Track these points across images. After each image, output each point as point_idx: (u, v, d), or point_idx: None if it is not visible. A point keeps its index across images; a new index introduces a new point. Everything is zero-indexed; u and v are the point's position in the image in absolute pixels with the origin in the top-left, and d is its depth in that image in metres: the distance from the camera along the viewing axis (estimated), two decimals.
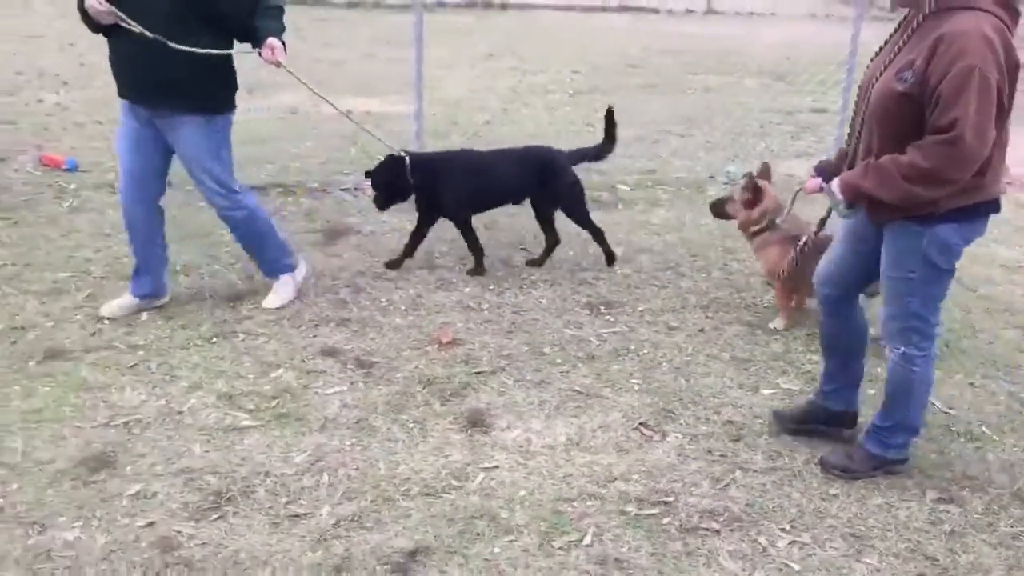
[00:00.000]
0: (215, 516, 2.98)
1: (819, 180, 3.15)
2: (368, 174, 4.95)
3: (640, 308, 4.72)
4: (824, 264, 3.30)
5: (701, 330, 4.49)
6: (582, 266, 5.29)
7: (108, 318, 4.31)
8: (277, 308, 4.47)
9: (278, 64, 3.95)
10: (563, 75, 12.06)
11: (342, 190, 6.52)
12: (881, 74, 2.81)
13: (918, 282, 2.93)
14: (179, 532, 2.89)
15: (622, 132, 5.32)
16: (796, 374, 4.05)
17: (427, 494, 3.10)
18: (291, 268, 4.55)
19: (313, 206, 6.22)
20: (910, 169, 2.69)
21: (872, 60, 2.96)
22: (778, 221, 4.22)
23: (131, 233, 4.33)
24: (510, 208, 5.40)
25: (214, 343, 4.21)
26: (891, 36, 2.92)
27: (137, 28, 3.78)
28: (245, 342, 4.21)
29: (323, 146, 7.72)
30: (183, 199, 5.51)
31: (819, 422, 3.49)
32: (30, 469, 3.19)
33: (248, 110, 8.70)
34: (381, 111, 8.90)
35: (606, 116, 5.11)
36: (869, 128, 2.87)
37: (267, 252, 4.47)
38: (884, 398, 3.23)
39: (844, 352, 3.39)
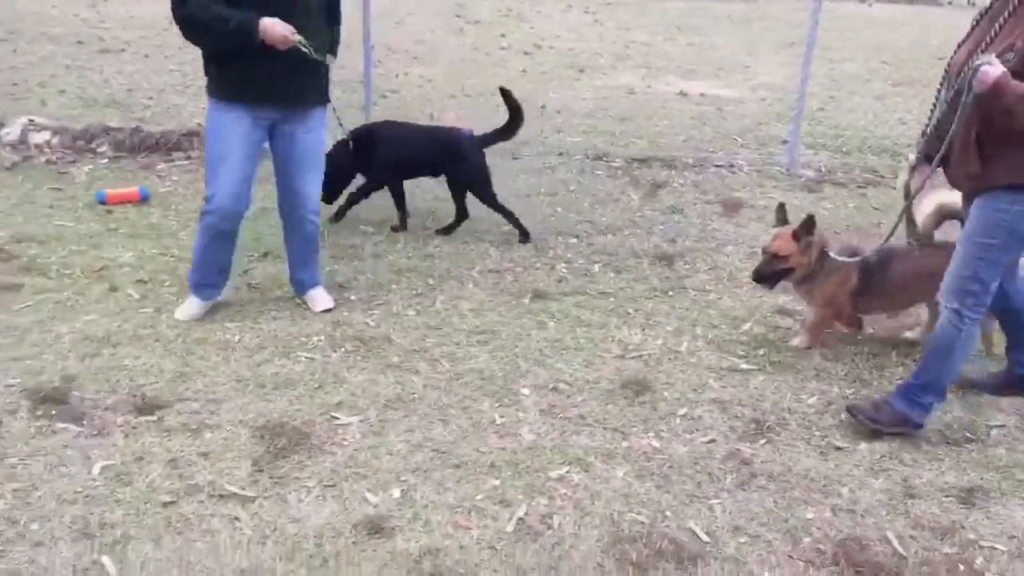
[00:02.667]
0: (763, 440, 3.36)
1: (922, 172, 3.28)
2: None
3: None
4: None
5: None
6: None
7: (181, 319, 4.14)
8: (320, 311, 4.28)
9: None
10: (872, 64, 11.88)
11: (717, 166, 6.84)
12: (976, 60, 2.89)
13: (997, 250, 3.08)
14: (739, 450, 3.28)
15: None
16: None
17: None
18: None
19: (697, 180, 6.56)
20: None
21: (960, 46, 3.12)
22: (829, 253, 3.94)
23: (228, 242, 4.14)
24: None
25: (671, 296, 4.63)
26: (977, 23, 3.11)
27: (312, 54, 3.75)
28: (700, 297, 4.60)
29: (677, 125, 8.08)
30: None
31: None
32: (584, 386, 3.70)
33: (590, 88, 9.29)
34: (720, 94, 9.18)
35: (503, 95, 5.13)
36: (971, 108, 2.92)
37: (318, 263, 4.40)
38: (922, 355, 3.37)
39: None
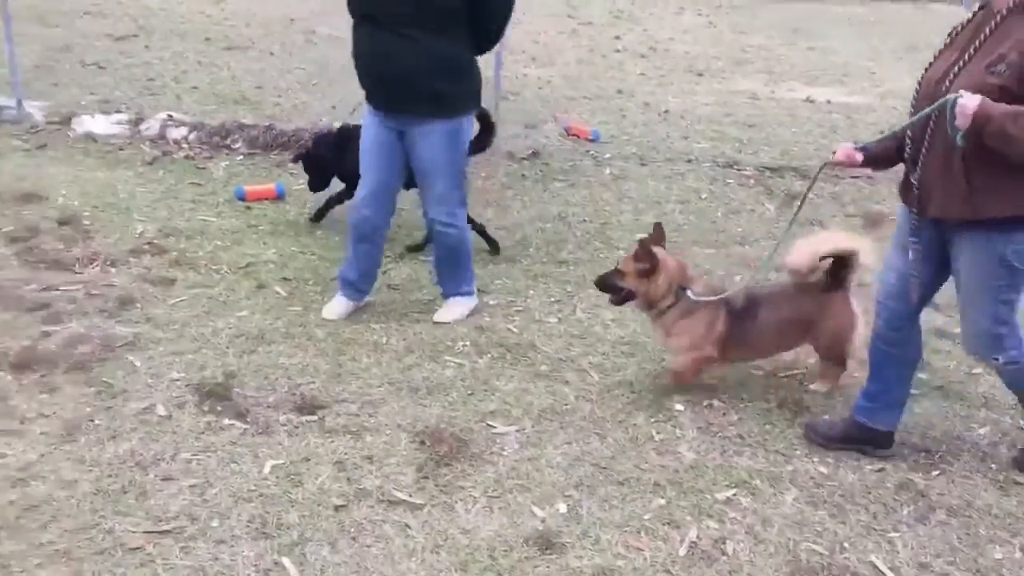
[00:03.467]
0: (936, 472, 3.23)
1: (854, 150, 3.03)
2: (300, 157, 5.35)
3: None
4: (886, 276, 3.14)
5: None
6: None
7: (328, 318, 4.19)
8: (442, 321, 4.24)
9: None
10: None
11: (853, 177, 6.62)
12: (958, 72, 2.71)
13: (1006, 288, 2.85)
14: (913, 480, 3.15)
15: None
16: None
17: None
18: (469, 295, 4.35)
19: (834, 191, 6.36)
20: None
21: (933, 60, 2.87)
22: (688, 289, 3.58)
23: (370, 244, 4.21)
24: None
25: None
26: (955, 35, 2.87)
27: None
28: None
29: (807, 133, 7.86)
30: None
31: (857, 441, 3.28)
32: (738, 405, 3.62)
33: (711, 93, 9.12)
34: (848, 102, 8.91)
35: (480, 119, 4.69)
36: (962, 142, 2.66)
37: (462, 272, 4.30)
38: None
39: (897, 368, 3.20)
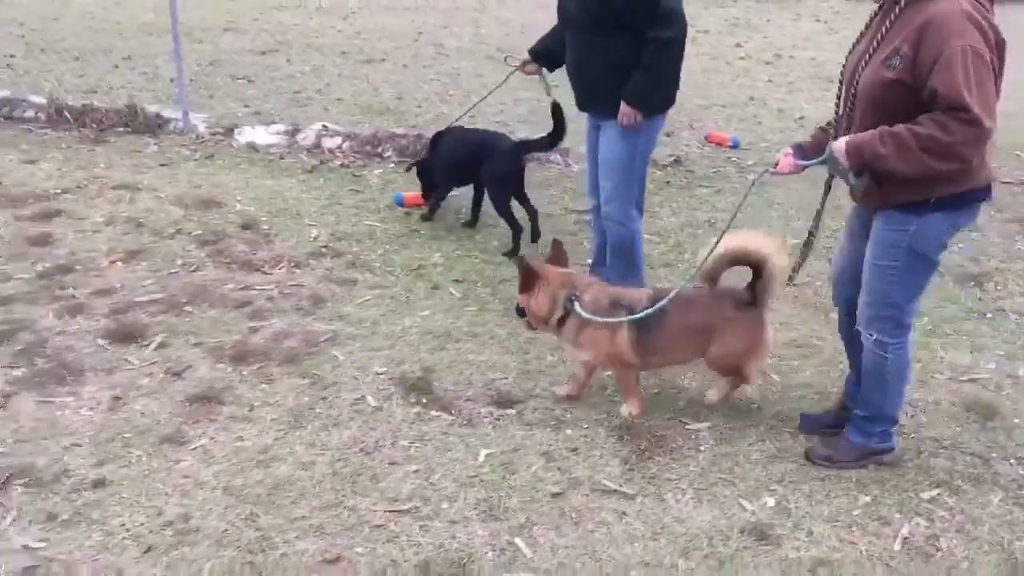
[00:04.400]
0: None
1: (794, 159, 3.00)
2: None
3: None
4: (837, 262, 3.18)
5: None
6: None
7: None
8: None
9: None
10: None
11: (1004, 183, 6.50)
12: (866, 63, 2.73)
13: (901, 271, 2.86)
14: None
15: None
16: None
17: None
18: None
19: (1006, 202, 6.25)
20: (929, 141, 2.57)
21: (851, 50, 2.88)
22: (577, 300, 3.40)
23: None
24: None
25: (990, 318, 4.48)
26: (868, 25, 2.85)
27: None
28: None
29: None
30: None
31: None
32: (926, 407, 3.66)
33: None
34: None
35: (553, 110, 4.81)
36: (861, 116, 2.76)
37: (630, 272, 4.40)
38: (862, 386, 3.12)
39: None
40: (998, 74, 2.60)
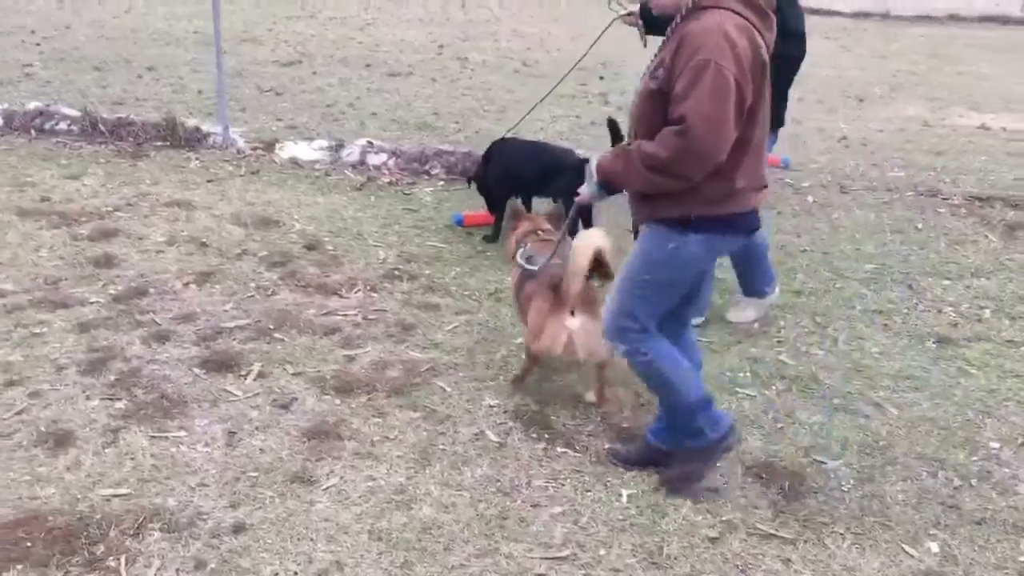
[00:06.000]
0: None
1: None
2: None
3: None
4: None
5: None
6: None
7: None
8: (734, 322, 4.53)
9: None
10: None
11: None
12: (642, 78, 2.78)
13: (650, 286, 2.87)
14: None
15: None
16: None
17: None
18: (764, 295, 4.55)
19: None
20: (649, 158, 2.62)
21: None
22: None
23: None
24: None
25: None
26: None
27: None
28: None
29: (997, 161, 7.73)
30: None
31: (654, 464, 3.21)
32: None
33: (877, 120, 9.03)
34: None
35: (610, 125, 4.79)
36: (632, 128, 2.81)
37: (754, 272, 4.50)
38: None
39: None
40: (748, 97, 2.57)
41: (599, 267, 3.35)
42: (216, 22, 7.06)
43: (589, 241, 3.29)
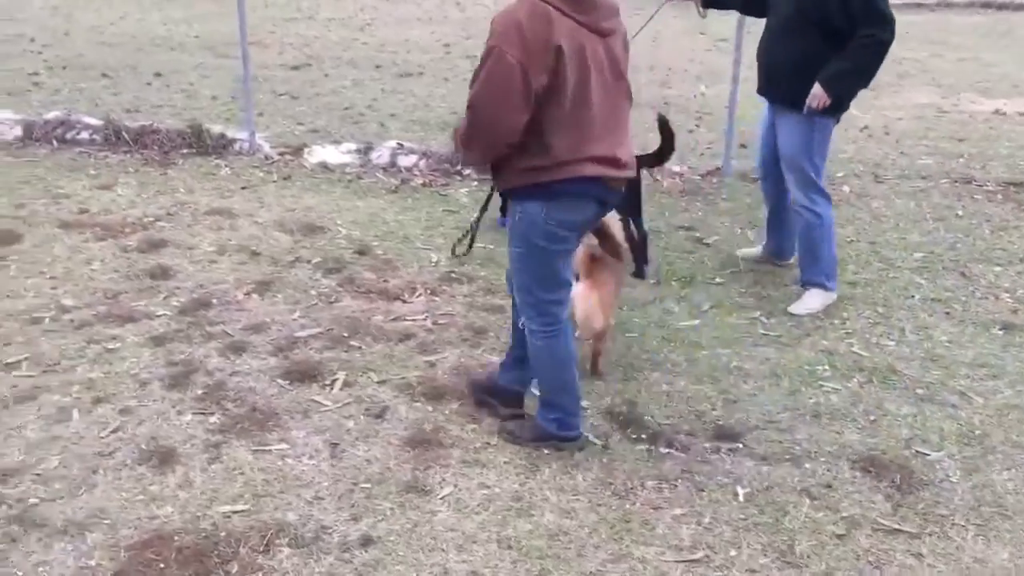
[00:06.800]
0: None
1: None
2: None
3: None
4: None
5: None
6: None
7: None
8: (796, 314, 4.52)
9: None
10: None
11: None
12: None
13: (523, 258, 3.01)
14: None
15: None
16: None
17: None
18: (825, 287, 4.60)
19: None
20: (458, 135, 2.91)
21: None
22: None
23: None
24: None
25: None
26: None
27: None
28: None
29: (1021, 145, 7.79)
30: None
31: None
32: None
33: (892, 107, 9.08)
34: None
35: (660, 124, 4.61)
36: None
37: (817, 261, 4.55)
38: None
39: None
40: (535, 81, 2.67)
41: (605, 240, 3.59)
42: (242, 27, 6.98)
43: None
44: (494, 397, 3.48)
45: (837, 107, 4.25)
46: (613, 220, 3.67)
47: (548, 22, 2.67)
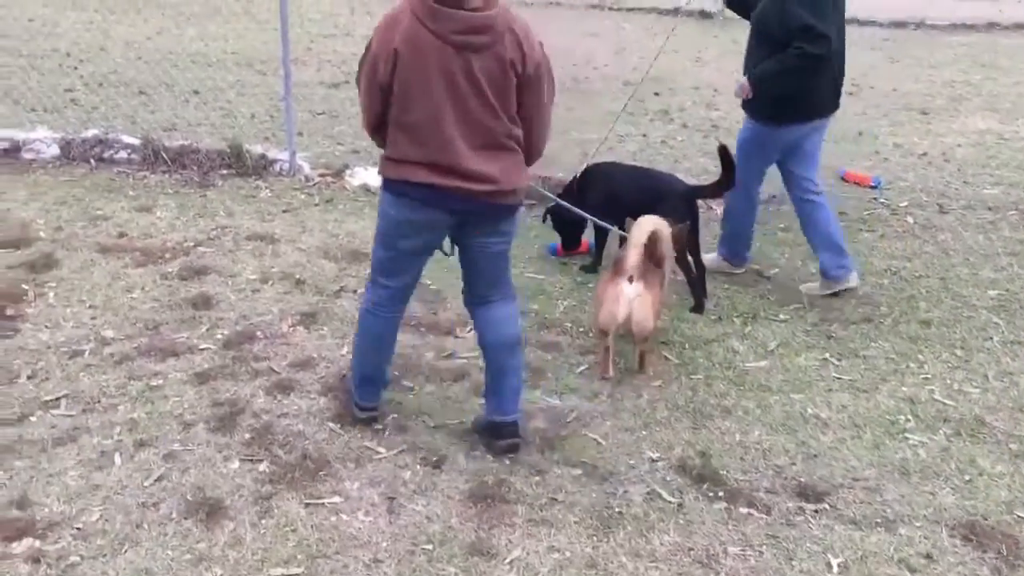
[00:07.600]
0: None
1: None
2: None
3: None
4: None
5: None
6: None
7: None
8: (805, 293, 4.97)
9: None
10: None
11: None
12: None
13: (379, 235, 3.21)
14: None
15: None
16: None
17: None
18: (835, 276, 4.92)
19: None
20: None
21: None
22: None
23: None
24: None
25: None
26: None
27: None
28: None
29: None
30: None
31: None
32: None
33: (951, 133, 8.79)
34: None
35: (721, 153, 4.66)
36: None
37: (827, 248, 4.90)
38: None
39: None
40: (379, 78, 2.90)
41: (652, 247, 3.84)
42: (284, 45, 6.83)
43: (648, 221, 3.86)
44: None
45: (771, 116, 4.69)
46: (662, 226, 3.95)
47: (395, 25, 2.86)
